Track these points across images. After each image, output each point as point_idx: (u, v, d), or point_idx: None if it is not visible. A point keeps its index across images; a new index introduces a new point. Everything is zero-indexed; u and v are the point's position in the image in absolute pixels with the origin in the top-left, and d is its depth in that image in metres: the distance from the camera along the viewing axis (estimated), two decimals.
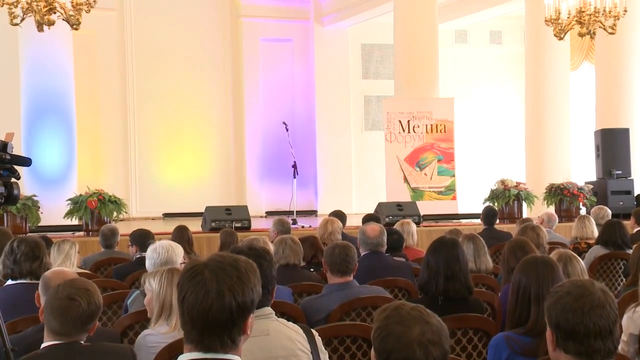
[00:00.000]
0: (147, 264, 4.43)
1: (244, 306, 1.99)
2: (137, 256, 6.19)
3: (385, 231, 5.54)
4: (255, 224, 10.83)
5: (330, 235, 6.74)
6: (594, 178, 12.86)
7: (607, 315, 2.27)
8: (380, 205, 11.01)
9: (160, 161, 16.07)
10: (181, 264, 4.47)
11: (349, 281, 4.44)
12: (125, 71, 15.82)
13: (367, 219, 7.52)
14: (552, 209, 11.48)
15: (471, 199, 14.22)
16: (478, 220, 10.16)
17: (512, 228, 8.16)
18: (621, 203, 12.06)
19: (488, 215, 8.30)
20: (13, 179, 3.28)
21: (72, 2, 8.65)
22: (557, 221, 8.56)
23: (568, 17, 9.95)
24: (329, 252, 4.48)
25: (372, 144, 16.35)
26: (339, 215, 8.12)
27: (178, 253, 4.45)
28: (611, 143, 12.63)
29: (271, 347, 2.84)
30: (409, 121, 13.15)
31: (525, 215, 11.45)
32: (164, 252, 4.37)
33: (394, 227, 6.80)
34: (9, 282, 4.31)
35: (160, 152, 16.05)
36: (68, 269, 3.83)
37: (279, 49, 16.61)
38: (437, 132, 13.19)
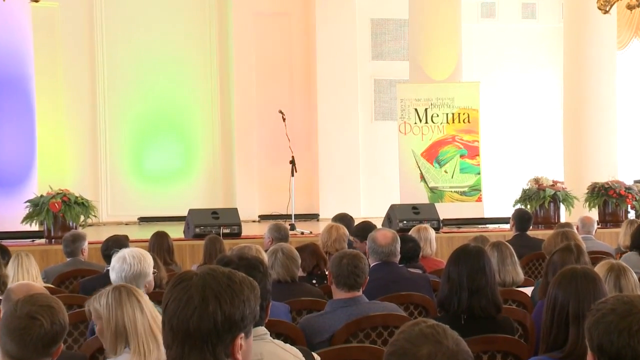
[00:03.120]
0: (113, 277, 4.42)
1: (231, 319, 2.01)
2: (108, 268, 6.20)
3: (398, 238, 5.56)
4: (246, 230, 10.86)
5: (334, 243, 6.77)
6: None
7: None
8: (393, 207, 11.01)
9: (136, 156, 16.08)
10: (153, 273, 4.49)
11: (356, 296, 4.45)
12: (94, 51, 15.83)
13: (362, 228, 7.38)
14: (594, 213, 11.48)
15: (500, 201, 14.22)
16: (508, 226, 10.15)
17: (548, 235, 8.15)
18: None
19: (522, 220, 8.31)
20: None
21: None
22: (595, 226, 8.56)
23: None
24: (335, 262, 4.50)
25: (383, 136, 16.35)
26: (344, 218, 8.13)
27: (150, 263, 4.45)
28: None
29: None
30: (426, 109, 13.15)
31: (563, 219, 11.45)
32: (137, 263, 4.36)
33: (409, 233, 6.81)
34: None
35: (135, 146, 16.06)
36: (36, 284, 3.83)
37: (275, 25, 16.61)
38: (459, 122, 13.19)
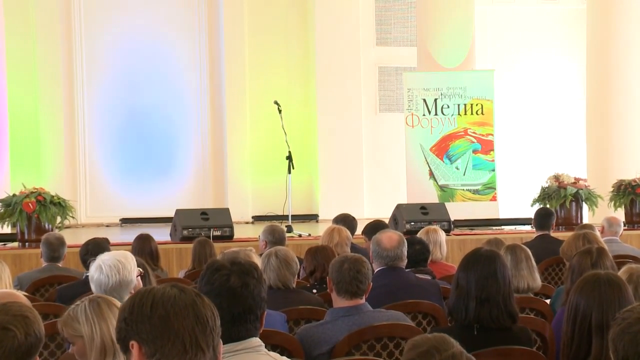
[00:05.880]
0: (94, 289, 4.40)
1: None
2: (87, 274, 6.21)
3: (405, 241, 5.57)
4: (239, 232, 10.89)
5: (336, 248, 6.80)
6: None
7: None
8: (399, 207, 11.03)
9: (117, 152, 16.08)
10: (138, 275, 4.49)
11: (359, 305, 4.47)
12: (71, 36, 15.81)
13: (373, 227, 7.47)
14: (620, 213, 11.48)
15: (516, 200, 14.22)
16: (524, 227, 10.17)
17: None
18: None
19: (540, 216, 8.31)
20: None
21: None
22: (621, 227, 8.57)
23: None
24: (336, 267, 4.52)
25: (388, 129, 16.35)
26: (347, 220, 8.15)
27: (132, 268, 4.42)
28: None
29: None
30: (436, 100, 13.15)
31: (586, 220, 11.45)
32: (115, 274, 4.33)
33: (417, 235, 6.83)
34: None
35: (116, 140, 16.06)
36: (17, 292, 3.84)
37: (269, 7, 16.60)
38: (472, 114, 13.19)
